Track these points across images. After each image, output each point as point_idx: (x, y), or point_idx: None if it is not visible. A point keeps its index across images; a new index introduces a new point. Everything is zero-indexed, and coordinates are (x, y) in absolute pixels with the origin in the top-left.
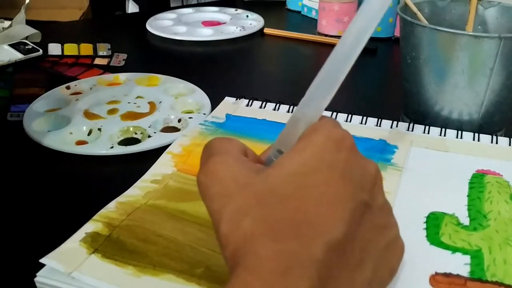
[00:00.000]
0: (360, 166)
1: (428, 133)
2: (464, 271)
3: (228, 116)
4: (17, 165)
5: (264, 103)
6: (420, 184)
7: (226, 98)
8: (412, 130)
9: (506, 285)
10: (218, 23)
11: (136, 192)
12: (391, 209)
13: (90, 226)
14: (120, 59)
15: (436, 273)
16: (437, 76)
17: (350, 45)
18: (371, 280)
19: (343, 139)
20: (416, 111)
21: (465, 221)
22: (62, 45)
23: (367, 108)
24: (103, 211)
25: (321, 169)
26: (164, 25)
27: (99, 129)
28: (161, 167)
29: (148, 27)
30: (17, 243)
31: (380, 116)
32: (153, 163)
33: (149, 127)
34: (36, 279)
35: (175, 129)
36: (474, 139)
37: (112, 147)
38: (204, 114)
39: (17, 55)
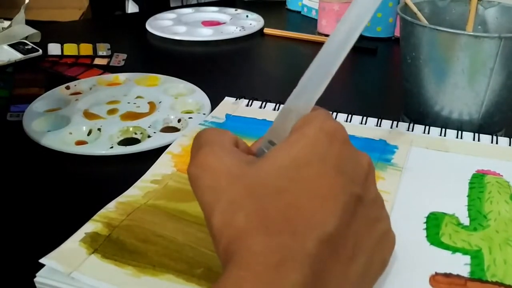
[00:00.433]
0: (353, 159)
1: (428, 133)
2: (464, 271)
3: (228, 116)
4: (17, 165)
5: (264, 103)
6: (420, 184)
7: (226, 98)
8: (412, 130)
9: (506, 285)
10: (218, 23)
11: (136, 192)
12: (383, 202)
13: (89, 226)
14: (120, 59)
15: (436, 273)
16: (437, 76)
17: (343, 37)
18: (364, 272)
19: (335, 132)
20: (416, 111)
21: (465, 221)
22: (62, 45)
23: (367, 108)
24: (103, 211)
25: (314, 163)
26: (164, 25)
27: (99, 129)
28: (161, 167)
29: (148, 27)
30: (17, 243)
31: (380, 116)
32: (153, 163)
33: (149, 127)
34: (35, 279)
35: (175, 129)
36: (474, 139)
37: (112, 147)
38: (204, 114)
39: (16, 55)
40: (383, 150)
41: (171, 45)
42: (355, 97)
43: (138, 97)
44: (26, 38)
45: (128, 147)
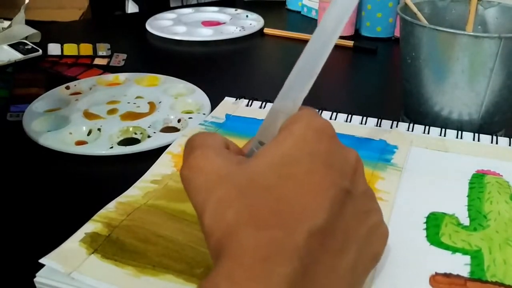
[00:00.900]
0: (340, 154)
1: (428, 133)
2: (464, 271)
3: (228, 116)
4: (16, 165)
5: (264, 103)
6: (420, 184)
7: (226, 98)
8: (412, 130)
9: (506, 285)
10: (218, 23)
11: (135, 192)
12: (374, 195)
13: (89, 226)
14: (119, 59)
15: (436, 273)
16: (437, 76)
17: (325, 36)
18: (354, 265)
19: (323, 129)
20: (416, 111)
21: (465, 221)
22: (62, 45)
23: (367, 108)
24: (102, 211)
25: (302, 159)
26: (164, 25)
27: (99, 129)
28: (160, 167)
29: (147, 27)
30: (17, 243)
31: (380, 116)
32: (153, 163)
33: (149, 127)
34: (35, 279)
35: (174, 129)
36: (474, 139)
37: (111, 147)
38: (204, 114)
39: (16, 55)
40: (383, 150)
41: (171, 45)
42: (355, 97)
43: (138, 97)
44: (26, 38)
45: (128, 147)
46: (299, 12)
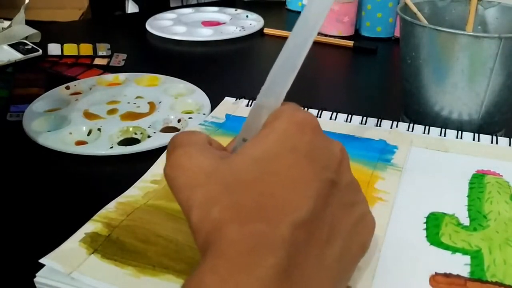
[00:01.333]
0: (324, 146)
1: (428, 133)
2: (464, 272)
3: (228, 116)
4: (16, 166)
5: None
6: (420, 184)
7: (226, 98)
8: (412, 130)
9: (506, 285)
10: (218, 23)
11: (135, 192)
12: (359, 186)
13: (89, 227)
14: (119, 59)
15: (436, 273)
16: (437, 76)
17: (305, 32)
18: (341, 255)
19: (305, 122)
20: (416, 111)
21: (465, 221)
22: (62, 45)
23: (367, 108)
24: (102, 211)
25: (284, 154)
26: (164, 25)
27: (99, 129)
28: (160, 167)
29: (147, 27)
30: (17, 243)
31: (380, 116)
32: (153, 163)
33: (149, 127)
34: (35, 279)
35: (174, 129)
36: (474, 139)
37: (111, 147)
38: (204, 114)
39: (16, 55)
40: (383, 150)
41: (171, 45)
42: (355, 97)
43: (138, 97)
44: (26, 38)
45: (128, 147)
46: (299, 12)
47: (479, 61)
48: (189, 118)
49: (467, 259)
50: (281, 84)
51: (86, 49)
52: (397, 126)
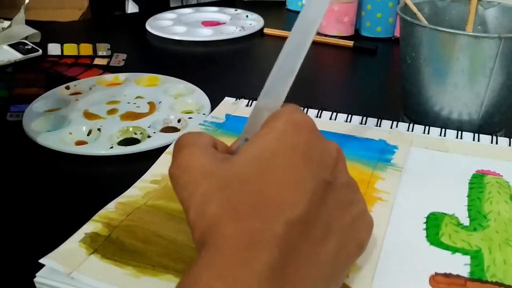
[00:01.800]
0: (321, 147)
1: (428, 133)
2: (464, 272)
3: (227, 116)
4: (16, 166)
5: None
6: (420, 184)
7: (226, 98)
8: (412, 130)
9: (506, 285)
10: (217, 23)
11: (135, 192)
12: (357, 186)
13: (89, 227)
14: (119, 59)
15: (436, 274)
16: (437, 76)
17: (302, 34)
18: (336, 253)
19: (303, 123)
20: (416, 111)
21: (465, 221)
22: (62, 45)
23: (367, 108)
24: (102, 212)
25: (282, 153)
26: (164, 25)
27: (99, 129)
28: (160, 167)
29: (147, 27)
30: (17, 243)
31: (380, 116)
32: (153, 163)
33: (149, 127)
34: (35, 280)
35: (174, 129)
36: (474, 139)
37: (111, 147)
38: (204, 114)
39: (16, 55)
40: (383, 150)
41: (171, 45)
42: (355, 97)
43: (138, 97)
44: (26, 38)
45: (128, 147)
46: (299, 12)
47: (479, 61)
48: (189, 118)
49: (467, 259)
50: (280, 85)
51: (86, 49)
52: (397, 126)
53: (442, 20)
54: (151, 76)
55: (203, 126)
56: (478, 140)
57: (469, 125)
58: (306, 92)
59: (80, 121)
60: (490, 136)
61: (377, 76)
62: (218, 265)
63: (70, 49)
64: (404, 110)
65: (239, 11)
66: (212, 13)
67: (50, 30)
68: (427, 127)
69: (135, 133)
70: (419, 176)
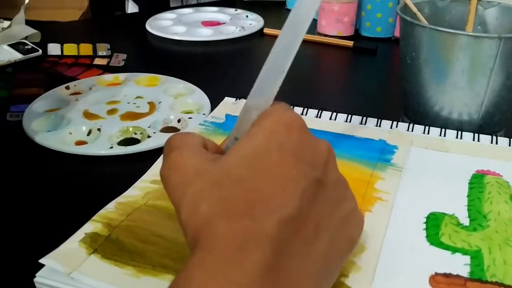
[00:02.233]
0: (311, 145)
1: (428, 133)
2: (464, 272)
3: (227, 116)
4: (16, 166)
5: None
6: (420, 184)
7: (226, 98)
8: (412, 130)
9: (506, 285)
10: (217, 23)
11: (135, 192)
12: (347, 183)
13: (89, 227)
14: (119, 59)
15: (436, 274)
16: (437, 76)
17: (292, 34)
18: (327, 251)
19: (293, 122)
20: (416, 111)
21: (465, 221)
22: (62, 45)
23: (367, 108)
24: (102, 212)
25: (272, 152)
26: (164, 25)
27: (99, 129)
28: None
29: (147, 27)
30: (16, 243)
31: (380, 116)
32: (153, 163)
33: (149, 127)
34: (35, 280)
35: (174, 129)
36: (474, 140)
37: (111, 147)
38: (204, 114)
39: (16, 55)
40: (383, 150)
41: (171, 45)
42: (355, 97)
43: (138, 97)
44: (26, 38)
45: (128, 147)
46: None
47: (479, 61)
48: (189, 118)
49: (467, 259)
50: (270, 85)
51: (86, 49)
52: (397, 126)
53: (442, 20)
54: (151, 76)
55: (203, 126)
56: (478, 140)
57: (469, 125)
58: (306, 92)
59: (80, 121)
60: (490, 136)
61: (377, 76)
62: (210, 265)
63: (70, 49)
64: (404, 110)
65: (239, 11)
66: (212, 13)
67: (50, 30)
68: (427, 127)
69: (135, 133)
70: (419, 176)
